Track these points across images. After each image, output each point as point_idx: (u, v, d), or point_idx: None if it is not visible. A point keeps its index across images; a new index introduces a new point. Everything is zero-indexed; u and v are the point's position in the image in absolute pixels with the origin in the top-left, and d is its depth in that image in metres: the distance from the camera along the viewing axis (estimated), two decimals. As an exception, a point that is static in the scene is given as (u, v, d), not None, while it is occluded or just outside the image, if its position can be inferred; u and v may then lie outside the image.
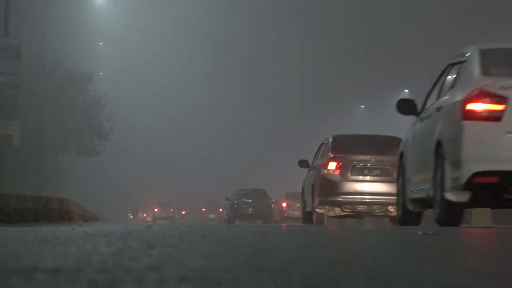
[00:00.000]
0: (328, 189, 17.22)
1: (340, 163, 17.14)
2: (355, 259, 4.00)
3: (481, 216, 27.91)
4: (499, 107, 8.96)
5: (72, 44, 55.19)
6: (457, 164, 9.34)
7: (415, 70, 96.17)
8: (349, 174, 17.14)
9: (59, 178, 55.45)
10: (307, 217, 18.85)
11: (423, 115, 11.24)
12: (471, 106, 9.14)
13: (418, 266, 3.55)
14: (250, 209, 47.28)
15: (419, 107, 11.71)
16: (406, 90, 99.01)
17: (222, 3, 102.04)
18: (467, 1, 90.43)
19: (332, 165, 17.27)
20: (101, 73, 59.01)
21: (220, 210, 72.45)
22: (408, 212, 11.81)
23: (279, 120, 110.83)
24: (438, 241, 6.82)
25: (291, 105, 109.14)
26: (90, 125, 52.89)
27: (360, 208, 16.89)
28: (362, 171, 16.82)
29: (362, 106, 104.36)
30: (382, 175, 16.53)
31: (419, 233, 8.73)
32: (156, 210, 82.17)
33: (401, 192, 11.91)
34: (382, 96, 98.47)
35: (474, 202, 9.77)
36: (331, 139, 18.39)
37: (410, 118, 12.57)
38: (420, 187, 10.72)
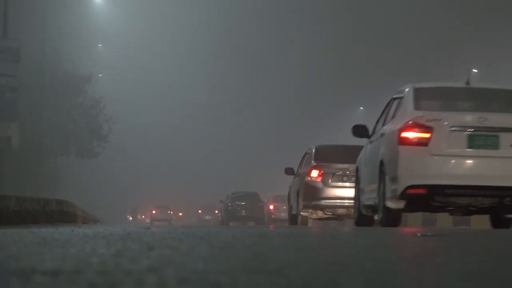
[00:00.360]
0: (311, 194, 19.06)
1: (322, 171, 19.06)
2: (354, 261, 4.00)
3: (480, 218, 27.89)
4: (426, 135, 11.42)
5: (71, 46, 55.18)
6: (394, 179, 11.73)
7: (415, 71, 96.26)
8: (330, 181, 19.03)
9: (58, 180, 55.42)
10: (293, 219, 20.81)
11: (372, 138, 13.53)
12: (405, 134, 11.59)
13: (417, 268, 3.55)
14: (243, 211, 49.18)
15: (370, 131, 13.97)
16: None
17: (222, 3, 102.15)
18: (467, 1, 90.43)
19: (314, 173, 19.18)
20: (100, 75, 58.97)
21: (216, 212, 73.75)
22: (362, 215, 14.08)
23: (278, 121, 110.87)
24: (437, 242, 6.82)
25: (291, 106, 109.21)
26: (89, 127, 52.85)
27: (340, 211, 18.78)
28: (341, 178, 18.73)
29: (361, 108, 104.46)
30: (350, 182, 18.04)
31: (418, 234, 8.74)
32: (154, 212, 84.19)
33: (357, 199, 14.35)
34: (382, 97, 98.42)
35: (408, 208, 12.18)
36: (313, 149, 20.14)
37: None
38: (369, 196, 13.10)
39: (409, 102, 11.93)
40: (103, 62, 70.75)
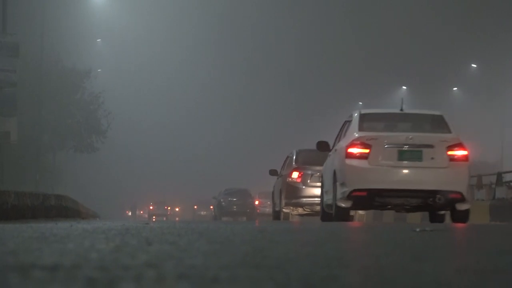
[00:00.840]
0: (292, 193, 21.38)
1: (302, 173, 21.39)
2: (354, 256, 4.00)
3: (479, 214, 27.94)
4: (366, 150, 14.52)
5: (70, 41, 55.11)
6: (343, 184, 14.73)
7: (413, 68, 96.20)
8: (308, 181, 21.27)
9: (57, 175, 55.39)
10: (276, 214, 23.13)
11: (331, 152, 16.60)
12: (350, 150, 14.67)
13: (416, 263, 3.55)
14: (235, 206, 51.36)
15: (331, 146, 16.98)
16: (404, 87, 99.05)
17: (221, 1, 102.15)
18: (465, 1, 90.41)
19: (295, 174, 21.55)
20: (99, 70, 58.90)
21: (211, 207, 75.21)
22: (325, 212, 16.69)
23: (276, 118, 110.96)
24: (435, 238, 6.82)
25: (289, 103, 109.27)
26: (88, 122, 52.80)
27: (318, 208, 19.83)
28: (318, 178, 19.50)
29: (360, 103, 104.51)
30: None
31: (417, 230, 8.74)
32: (151, 207, 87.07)
33: (321, 199, 17.14)
34: (381, 93, 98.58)
35: (354, 207, 15.23)
36: (294, 153, 22.48)
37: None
38: (328, 197, 15.98)
39: (355, 125, 15.17)
40: (102, 57, 70.71)
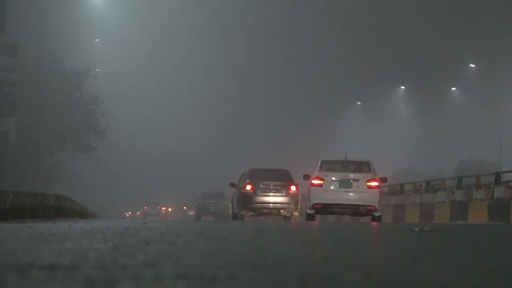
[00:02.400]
0: (246, 200, 28.26)
1: (253, 186, 28.27)
2: (352, 255, 4.00)
3: (477, 214, 27.93)
4: (321, 182, 23.65)
5: (69, 41, 54.98)
6: (309, 200, 24.01)
7: (412, 68, 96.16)
8: (258, 192, 28.28)
9: (55, 175, 55.27)
10: (234, 216, 29.89)
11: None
12: (313, 181, 23.77)
13: (415, 262, 3.55)
14: (212, 208, 58.76)
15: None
16: (403, 87, 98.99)
17: (221, 1, 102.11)
18: (465, 1, 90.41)
19: (248, 187, 28.30)
20: (97, 70, 58.79)
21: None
22: (309, 215, 24.53)
23: (274, 117, 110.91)
24: (434, 237, 6.82)
25: (287, 102, 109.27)
26: (86, 122, 52.70)
27: (265, 211, 28.79)
28: (265, 190, 28.29)
29: (359, 103, 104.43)
30: (277, 192, 28.37)
31: (415, 229, 8.74)
32: (145, 207, 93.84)
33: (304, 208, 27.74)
34: (379, 92, 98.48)
35: (316, 213, 24.32)
36: (248, 171, 29.29)
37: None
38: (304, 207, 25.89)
39: (318, 167, 24.39)
40: (100, 57, 70.61)
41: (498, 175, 28.57)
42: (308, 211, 23.96)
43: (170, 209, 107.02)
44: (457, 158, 78.13)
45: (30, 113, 45.32)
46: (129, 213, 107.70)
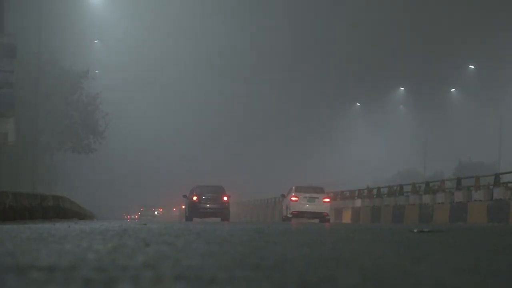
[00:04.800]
0: (193, 207, 38.83)
1: (198, 197, 38.72)
2: (351, 257, 4.00)
3: (476, 215, 27.92)
4: (296, 199, 37.90)
5: (68, 42, 54.97)
6: (289, 209, 37.83)
7: (411, 69, 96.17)
8: (201, 201, 38.66)
9: (54, 176, 55.26)
10: (187, 219, 39.45)
11: (285, 197, 40.54)
12: (291, 198, 37.60)
13: (414, 263, 3.55)
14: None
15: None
16: (402, 88, 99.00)
17: (221, 1, 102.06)
18: (464, 2, 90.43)
19: (195, 198, 38.79)
20: (96, 71, 58.75)
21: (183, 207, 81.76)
22: (284, 218, 38.65)
23: (275, 118, 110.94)
24: (433, 238, 6.82)
25: (286, 104, 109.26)
26: (85, 123, 52.65)
27: (206, 214, 38.79)
28: (207, 200, 38.76)
29: (358, 104, 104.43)
30: (214, 202, 38.71)
31: (415, 230, 8.75)
32: (142, 209, 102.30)
33: (282, 213, 41.21)
34: (378, 94, 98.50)
35: (293, 217, 37.31)
36: (195, 187, 39.98)
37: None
38: (284, 213, 39.01)
39: (292, 190, 37.68)
40: (99, 58, 70.58)
41: (497, 176, 28.57)
42: (289, 215, 37.85)
43: (161, 210, 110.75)
44: (456, 159, 78.15)
45: (29, 113, 45.33)
46: (128, 217, 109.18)
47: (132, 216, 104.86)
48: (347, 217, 43.03)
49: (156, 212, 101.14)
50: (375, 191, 41.16)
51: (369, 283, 2.65)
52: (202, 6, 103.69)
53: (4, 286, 2.47)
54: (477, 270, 3.24)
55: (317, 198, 37.49)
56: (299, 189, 38.06)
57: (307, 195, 37.43)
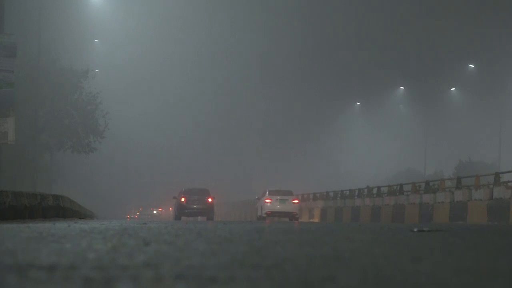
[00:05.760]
0: (181, 207, 43.24)
1: (185, 198, 43.16)
2: (351, 256, 4.00)
3: (476, 214, 27.90)
4: (270, 200, 43.45)
5: (68, 41, 54.95)
6: (263, 210, 42.69)
7: (411, 68, 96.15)
8: (189, 202, 43.12)
9: (54, 175, 55.25)
10: (176, 217, 44.34)
11: (260, 199, 45.11)
12: (265, 200, 42.47)
13: (414, 262, 3.55)
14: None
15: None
16: (402, 88, 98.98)
17: (221, 1, 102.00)
18: (464, 1, 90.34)
19: (183, 199, 43.22)
20: (96, 70, 58.71)
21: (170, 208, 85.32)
22: (259, 218, 43.09)
23: (273, 118, 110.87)
24: (433, 238, 6.82)
25: (285, 104, 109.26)
26: (85, 123, 52.61)
27: (193, 213, 43.80)
28: (193, 201, 43.14)
29: (358, 103, 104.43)
30: (199, 203, 43.28)
31: (415, 230, 8.74)
32: (140, 208, 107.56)
33: (257, 213, 46.23)
34: (379, 93, 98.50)
35: (268, 217, 42.31)
36: (183, 189, 44.77)
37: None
38: (259, 213, 44.28)
39: (266, 192, 42.77)
40: (99, 57, 70.55)
41: (497, 175, 28.56)
42: (263, 215, 42.84)
43: (160, 209, 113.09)
44: (456, 159, 78.14)
45: (29, 113, 45.31)
46: (128, 216, 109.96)
47: (132, 216, 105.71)
48: (347, 217, 43.07)
49: (154, 212, 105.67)
50: (375, 190, 41.17)
51: (369, 282, 2.65)
52: (205, 6, 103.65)
53: (4, 285, 2.47)
54: (478, 269, 3.24)
55: (287, 199, 43.49)
56: (271, 192, 43.76)
57: (279, 197, 43.22)
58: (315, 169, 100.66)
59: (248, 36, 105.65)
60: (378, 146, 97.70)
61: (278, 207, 42.76)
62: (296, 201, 43.24)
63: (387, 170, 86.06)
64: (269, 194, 43.50)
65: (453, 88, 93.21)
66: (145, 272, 2.86)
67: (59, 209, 19.98)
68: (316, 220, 48.04)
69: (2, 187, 25.15)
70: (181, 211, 44.21)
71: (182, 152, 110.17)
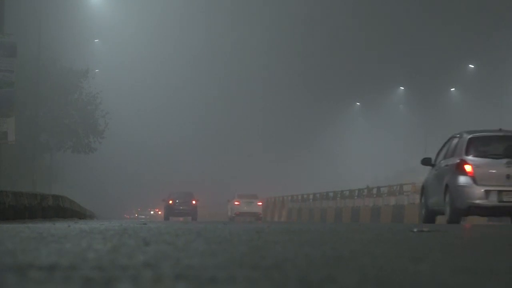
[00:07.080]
0: (169, 209, 50.73)
1: (173, 200, 49.92)
2: (351, 256, 4.00)
3: (475, 216, 27.86)
4: (239, 202, 52.25)
5: (68, 41, 54.96)
6: (232, 211, 55.67)
7: (411, 68, 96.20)
8: (176, 204, 50.73)
9: (54, 176, 55.25)
10: (166, 217, 50.85)
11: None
12: (235, 202, 52.13)
13: (414, 263, 3.55)
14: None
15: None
16: (402, 88, 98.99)
17: (222, 1, 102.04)
18: (464, 2, 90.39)
19: (171, 201, 50.44)
20: (96, 70, 58.72)
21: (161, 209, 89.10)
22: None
23: (273, 118, 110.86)
24: (433, 238, 6.83)
25: (285, 104, 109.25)
26: (85, 123, 52.63)
27: (180, 214, 51.70)
28: (180, 203, 50.32)
29: (358, 103, 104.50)
30: (185, 204, 50.17)
31: (414, 230, 8.75)
32: (139, 209, 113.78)
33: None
34: (379, 93, 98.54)
35: (236, 217, 53.12)
36: (171, 193, 51.24)
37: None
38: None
39: (236, 196, 54.78)
40: (99, 57, 70.54)
41: (496, 175, 28.41)
42: (233, 215, 48.54)
43: (156, 210, 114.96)
44: (456, 159, 78.04)
45: (29, 113, 45.30)
46: (128, 216, 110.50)
47: (131, 216, 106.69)
48: (347, 217, 43.10)
49: (152, 212, 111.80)
50: (375, 190, 41.19)
51: (369, 283, 2.65)
52: (205, 6, 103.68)
53: (3, 286, 2.47)
54: (478, 269, 3.24)
55: (253, 202, 51.26)
56: (240, 196, 51.48)
57: (246, 200, 50.69)
58: (315, 169, 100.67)
59: (248, 36, 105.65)
60: (378, 146, 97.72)
61: (245, 208, 50.77)
62: (260, 204, 52.12)
63: (387, 170, 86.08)
64: (237, 197, 51.79)
65: (453, 88, 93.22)
66: (145, 272, 2.86)
67: (59, 209, 19.99)
68: (316, 220, 47.60)
69: (2, 187, 25.15)
70: (169, 212, 51.62)
71: (182, 152, 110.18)
